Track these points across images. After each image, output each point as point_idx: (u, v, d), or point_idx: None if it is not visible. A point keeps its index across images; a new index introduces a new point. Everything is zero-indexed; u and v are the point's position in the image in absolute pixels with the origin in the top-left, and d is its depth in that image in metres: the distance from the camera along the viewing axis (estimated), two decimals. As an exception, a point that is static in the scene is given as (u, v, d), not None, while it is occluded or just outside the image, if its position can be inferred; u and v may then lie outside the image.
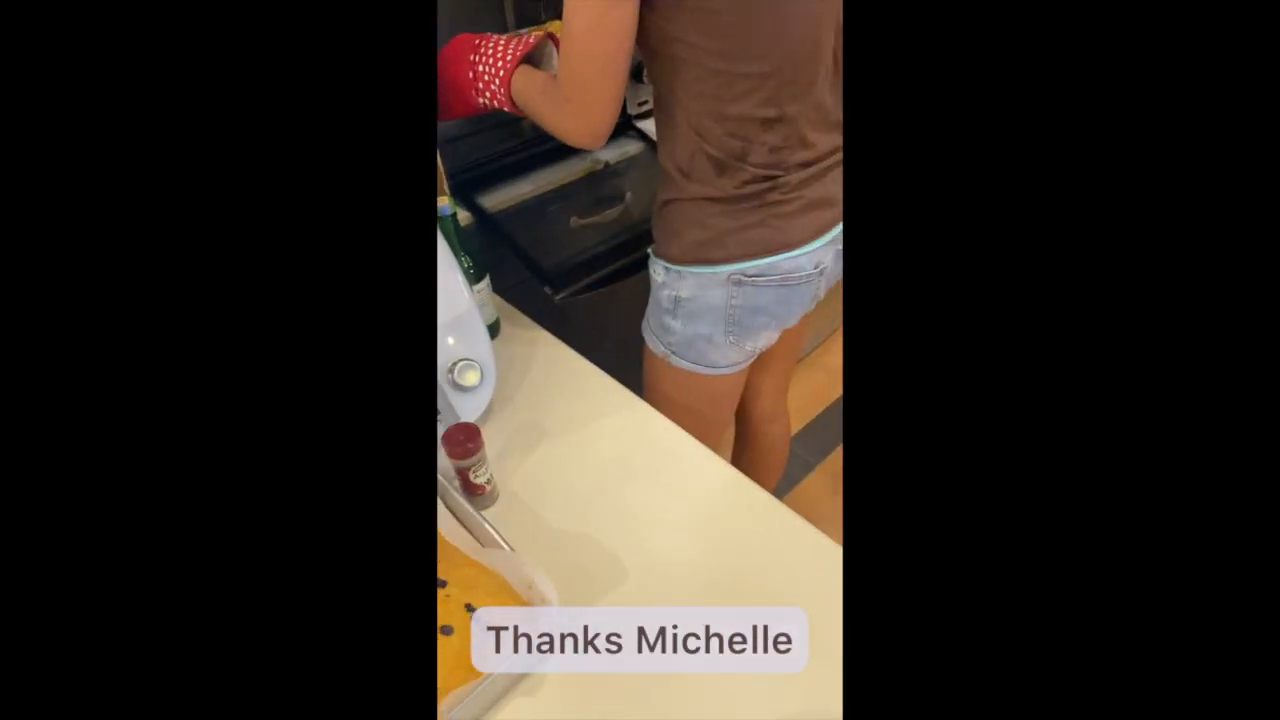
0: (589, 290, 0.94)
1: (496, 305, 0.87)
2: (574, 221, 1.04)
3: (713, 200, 0.72)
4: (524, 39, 0.75)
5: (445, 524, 0.59)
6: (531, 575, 0.53)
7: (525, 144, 1.06)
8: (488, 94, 0.75)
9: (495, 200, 1.02)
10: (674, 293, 0.78)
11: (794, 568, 0.60)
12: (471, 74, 0.75)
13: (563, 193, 1.05)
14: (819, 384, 1.73)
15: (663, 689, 0.51)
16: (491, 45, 0.74)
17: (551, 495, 0.67)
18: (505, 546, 0.57)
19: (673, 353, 0.83)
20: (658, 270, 0.80)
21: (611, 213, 1.08)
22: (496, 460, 0.70)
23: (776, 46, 0.63)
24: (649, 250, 0.82)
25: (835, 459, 1.56)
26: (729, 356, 0.83)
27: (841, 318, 1.86)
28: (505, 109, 0.74)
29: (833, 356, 1.80)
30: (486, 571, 0.57)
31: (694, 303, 0.77)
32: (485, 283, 0.81)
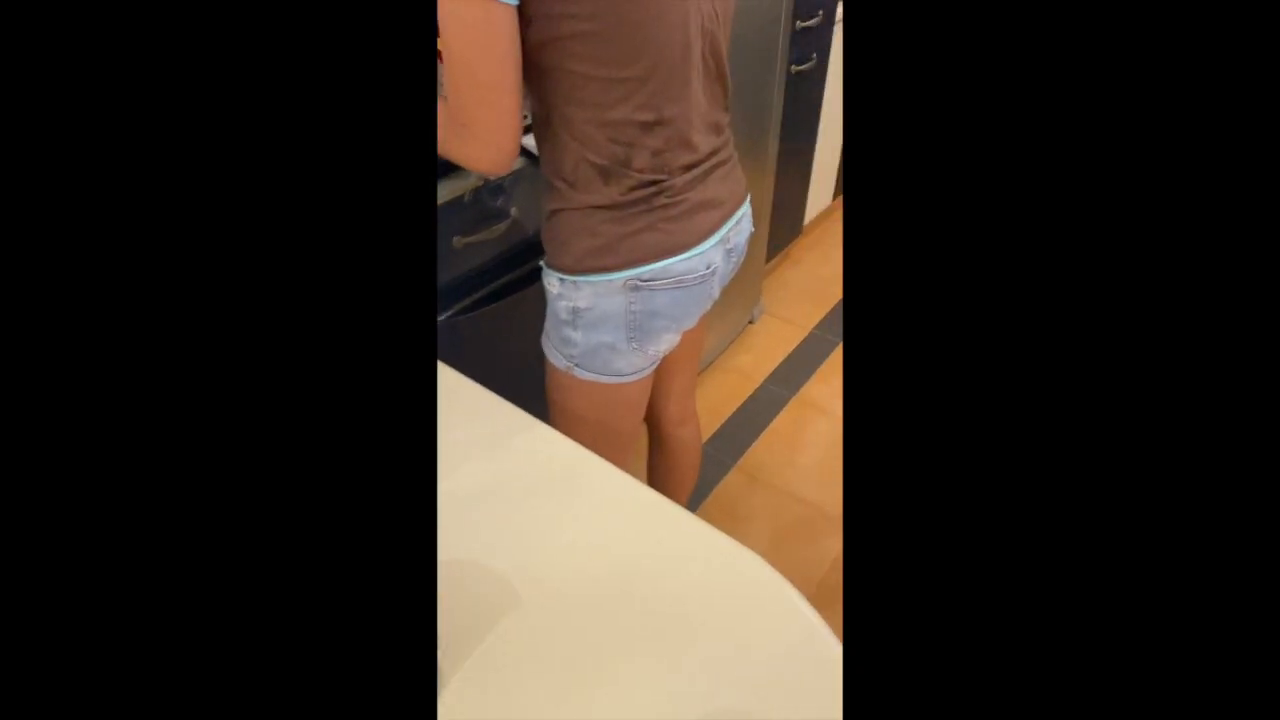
0: (476, 308, 0.90)
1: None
2: (456, 241, 1.01)
3: (601, 208, 0.71)
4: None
5: None
6: None
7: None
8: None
9: (372, 223, 0.97)
10: (571, 303, 0.77)
11: (709, 585, 0.58)
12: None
13: (442, 213, 1.01)
14: (731, 385, 1.76)
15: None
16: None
17: (442, 520, 0.63)
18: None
19: (576, 365, 0.81)
20: (552, 282, 0.78)
21: (498, 229, 1.05)
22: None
23: (648, 49, 0.64)
24: (541, 263, 0.80)
25: (751, 456, 1.58)
26: (633, 363, 0.82)
27: (746, 320, 1.91)
28: None
29: (742, 357, 1.84)
30: None
31: (593, 312, 0.76)
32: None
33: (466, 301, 0.87)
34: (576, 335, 0.78)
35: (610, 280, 0.74)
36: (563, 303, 0.77)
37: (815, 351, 1.85)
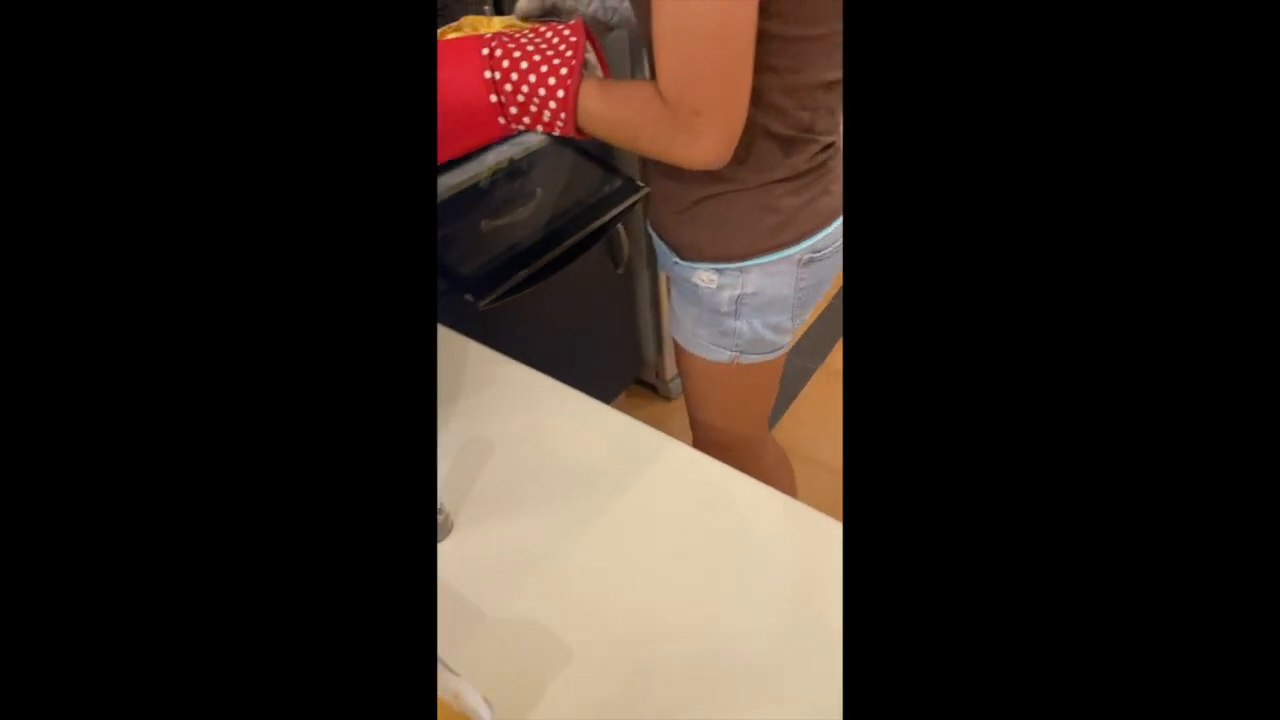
0: (513, 293, 0.88)
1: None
2: (484, 225, 0.98)
3: (780, 181, 0.66)
4: (565, 36, 0.57)
5: None
6: (457, 687, 0.42)
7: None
8: (528, 117, 0.58)
9: (395, 213, 0.94)
10: (735, 292, 0.72)
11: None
12: (495, 94, 0.57)
13: (466, 197, 0.98)
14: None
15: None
16: (518, 50, 0.56)
17: (513, 516, 0.61)
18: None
19: (741, 354, 0.77)
20: (707, 276, 0.72)
21: (523, 212, 1.02)
22: (444, 487, 0.63)
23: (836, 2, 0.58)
24: (676, 260, 0.74)
25: (782, 430, 1.56)
26: (790, 334, 0.80)
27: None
28: (557, 133, 0.58)
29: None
30: None
31: (760, 296, 0.72)
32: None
33: (502, 289, 0.84)
34: (740, 325, 0.74)
35: (785, 257, 0.69)
36: (725, 294, 0.72)
37: (838, 321, 1.83)
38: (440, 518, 0.58)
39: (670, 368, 1.59)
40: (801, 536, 0.57)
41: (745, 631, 0.51)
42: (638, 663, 0.50)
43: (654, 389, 1.63)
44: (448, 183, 0.98)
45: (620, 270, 1.32)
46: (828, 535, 0.56)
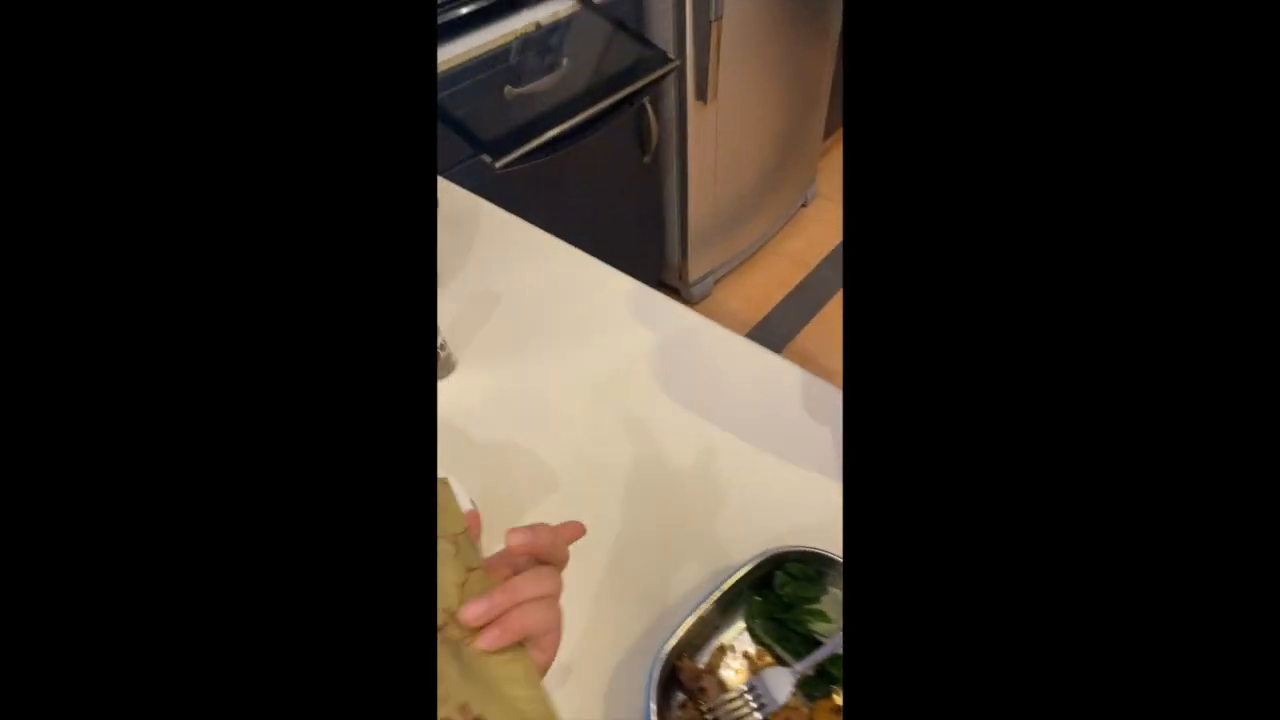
0: (532, 159, 0.86)
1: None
2: (508, 91, 0.95)
3: None
4: None
5: None
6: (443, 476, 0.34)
7: (446, 3, 0.94)
8: None
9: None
10: None
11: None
12: None
13: (490, 60, 0.95)
14: (782, 271, 1.70)
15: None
16: None
17: (512, 360, 0.62)
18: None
19: None
20: None
21: (548, 80, 0.99)
22: (448, 330, 0.64)
23: None
24: None
25: (798, 343, 1.55)
26: None
27: (799, 203, 1.82)
28: None
29: (793, 241, 1.77)
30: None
31: None
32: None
33: (520, 152, 0.83)
34: None
35: None
36: None
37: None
38: (443, 354, 0.59)
39: (694, 271, 1.57)
40: (775, 381, 0.57)
41: (719, 456, 0.52)
42: (619, 487, 0.52)
43: (676, 292, 1.62)
44: (469, 45, 0.95)
45: (647, 159, 1.28)
46: (793, 377, 0.56)
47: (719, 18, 1.10)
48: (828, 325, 1.59)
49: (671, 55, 0.99)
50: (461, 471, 0.46)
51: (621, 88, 0.93)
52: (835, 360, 1.50)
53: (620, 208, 1.33)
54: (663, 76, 0.96)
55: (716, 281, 1.67)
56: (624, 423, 0.56)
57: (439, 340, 0.58)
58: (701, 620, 0.42)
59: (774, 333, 1.56)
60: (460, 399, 0.59)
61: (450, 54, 0.91)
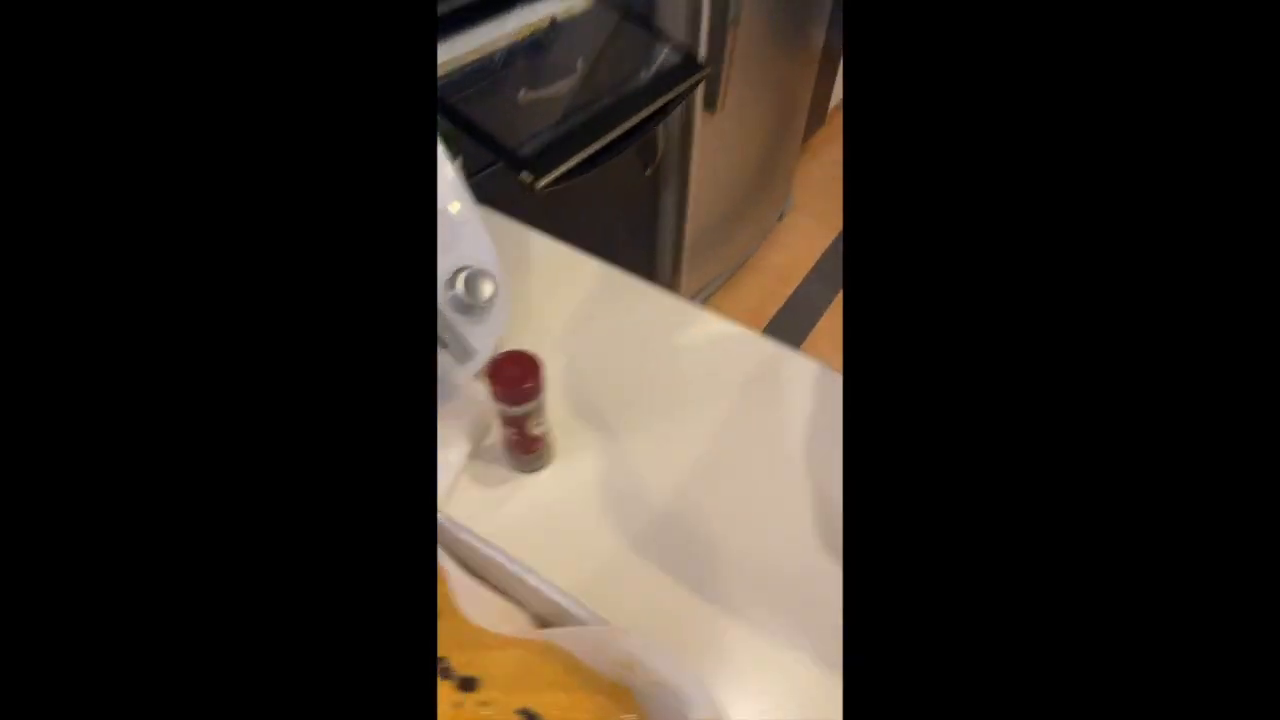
0: (569, 178, 0.74)
1: (456, 204, 0.65)
2: (522, 94, 0.82)
3: None
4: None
5: (459, 581, 0.35)
6: (631, 650, 0.30)
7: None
8: None
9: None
10: None
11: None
12: None
13: (497, 59, 0.81)
14: (768, 286, 1.64)
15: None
16: None
17: (616, 433, 0.50)
18: (573, 609, 0.33)
19: None
20: None
21: (563, 84, 0.86)
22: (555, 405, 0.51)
23: None
24: None
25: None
26: None
27: (776, 216, 1.76)
28: None
29: (776, 256, 1.71)
30: (536, 649, 0.34)
31: None
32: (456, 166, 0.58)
33: (561, 169, 0.70)
34: None
35: None
36: None
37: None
38: (544, 440, 0.46)
39: (687, 289, 1.47)
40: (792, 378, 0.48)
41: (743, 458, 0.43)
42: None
43: (663, 312, 1.52)
44: (470, 43, 0.81)
45: (649, 173, 1.17)
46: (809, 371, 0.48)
47: (736, 21, 1.01)
48: (826, 340, 1.54)
49: (699, 60, 0.89)
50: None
51: (656, 96, 0.82)
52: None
53: (612, 224, 1.21)
54: (696, 84, 0.86)
55: (706, 299, 1.58)
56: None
57: (544, 423, 0.45)
58: None
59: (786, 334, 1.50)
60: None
61: (450, 54, 0.77)
